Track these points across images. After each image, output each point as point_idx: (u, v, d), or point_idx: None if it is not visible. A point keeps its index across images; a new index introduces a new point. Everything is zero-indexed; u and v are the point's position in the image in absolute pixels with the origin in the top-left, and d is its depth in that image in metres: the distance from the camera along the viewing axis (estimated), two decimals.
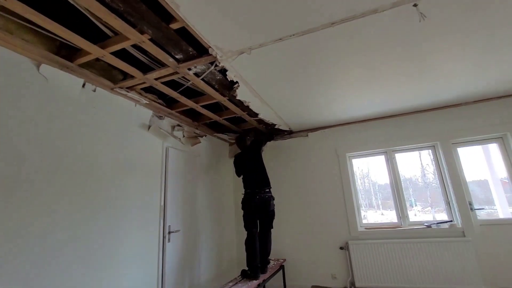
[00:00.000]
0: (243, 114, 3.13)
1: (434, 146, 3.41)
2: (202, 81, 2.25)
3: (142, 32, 1.61)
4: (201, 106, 2.81)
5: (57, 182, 1.75)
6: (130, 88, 2.32)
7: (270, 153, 4.09)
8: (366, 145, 3.63)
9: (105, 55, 1.78)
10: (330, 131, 3.87)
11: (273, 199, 3.08)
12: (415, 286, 2.99)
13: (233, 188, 4.15)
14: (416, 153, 3.61)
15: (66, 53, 1.87)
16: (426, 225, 3.18)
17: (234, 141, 4.12)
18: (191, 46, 1.81)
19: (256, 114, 3.15)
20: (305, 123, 3.74)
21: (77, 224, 1.83)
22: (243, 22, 1.57)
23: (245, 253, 2.90)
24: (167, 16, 1.53)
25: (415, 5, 1.50)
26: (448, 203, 3.23)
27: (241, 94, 2.52)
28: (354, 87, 2.61)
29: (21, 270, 1.50)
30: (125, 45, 1.72)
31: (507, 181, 3.12)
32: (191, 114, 3.22)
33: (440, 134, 3.30)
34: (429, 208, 3.63)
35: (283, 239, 3.75)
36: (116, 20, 1.48)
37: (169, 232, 2.62)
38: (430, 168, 3.52)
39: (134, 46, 1.92)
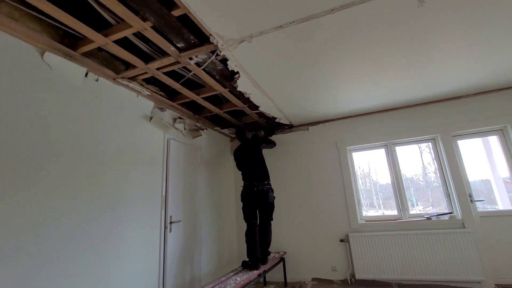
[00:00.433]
0: (244, 107, 3.15)
1: (434, 138, 3.42)
2: (203, 71, 2.28)
3: (144, 20, 1.64)
4: (202, 98, 2.83)
5: (58, 171, 1.77)
6: (132, 79, 2.35)
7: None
8: (366, 138, 3.65)
9: (108, 43, 1.81)
10: (331, 124, 3.89)
11: (272, 191, 3.11)
12: (415, 278, 3.01)
13: (234, 181, 4.17)
14: (417, 150, 3.59)
15: (69, 42, 1.90)
16: (426, 217, 3.19)
17: (235, 135, 4.15)
18: (193, 34, 1.83)
19: (256, 107, 3.18)
20: (306, 117, 3.76)
21: (78, 213, 1.84)
22: (243, 8, 1.59)
23: (245, 245, 2.93)
24: (169, 2, 1.56)
25: None
26: (448, 195, 3.24)
27: (242, 85, 2.54)
28: (354, 78, 2.63)
29: (23, 262, 1.51)
30: (128, 32, 1.75)
31: (509, 181, 3.12)
32: (192, 107, 3.25)
33: (440, 126, 3.32)
34: (431, 207, 3.61)
35: (284, 232, 3.77)
36: (119, 7, 1.51)
37: (171, 222, 2.65)
38: (432, 167, 3.52)
39: (136, 35, 1.96)
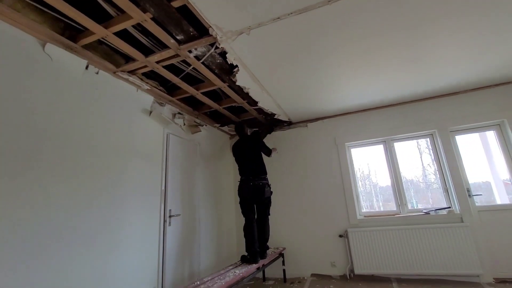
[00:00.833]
0: (243, 102, 3.17)
1: (432, 134, 3.44)
2: (202, 65, 2.30)
3: (144, 11, 1.66)
4: (202, 93, 2.86)
5: (57, 161, 1.77)
6: (132, 72, 2.37)
7: (270, 144, 4.12)
8: (365, 135, 3.67)
9: (108, 35, 1.84)
10: (329, 121, 3.91)
11: (269, 186, 3.09)
12: (414, 272, 3.02)
13: (233, 178, 4.19)
14: (416, 152, 3.59)
15: (70, 35, 1.92)
16: (424, 212, 3.21)
17: (234, 131, 4.17)
18: (192, 26, 1.86)
19: (255, 103, 3.20)
20: (304, 113, 3.78)
21: (79, 205, 1.86)
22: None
23: (244, 240, 2.94)
24: None
25: None
26: (446, 190, 3.26)
27: (241, 79, 2.56)
28: (352, 72, 2.65)
29: (21, 254, 1.51)
30: (128, 24, 1.77)
31: (509, 182, 3.13)
32: (192, 103, 3.27)
33: (438, 122, 3.34)
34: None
35: (283, 228, 3.78)
36: None
37: (170, 216, 2.66)
38: (431, 168, 3.51)
39: (136, 29, 1.99)
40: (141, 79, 2.51)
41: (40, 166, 1.67)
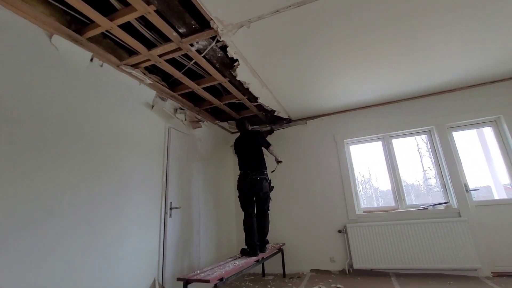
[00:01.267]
0: (243, 98, 3.23)
1: (429, 130, 3.49)
2: (203, 59, 2.37)
3: (148, 3, 1.73)
4: (203, 88, 2.91)
5: (61, 153, 1.81)
6: (135, 66, 2.43)
7: (270, 141, 4.16)
8: (363, 131, 3.72)
9: (113, 27, 1.90)
10: (328, 118, 3.97)
11: (267, 181, 3.10)
12: (413, 266, 3.04)
13: (233, 174, 4.22)
14: (417, 155, 3.61)
15: (76, 28, 1.99)
16: (422, 207, 3.24)
17: (235, 128, 4.22)
18: (194, 19, 1.92)
19: (255, 99, 3.26)
20: (304, 110, 3.84)
21: (82, 195, 1.89)
22: None
23: (244, 234, 2.97)
24: None
25: None
26: (444, 186, 3.29)
27: (241, 73, 2.62)
28: (350, 67, 2.70)
29: (23, 242, 1.53)
30: (133, 16, 1.83)
31: (510, 187, 3.15)
32: (193, 98, 3.33)
33: (435, 118, 3.39)
34: None
35: (283, 224, 3.81)
36: None
37: (171, 208, 2.70)
38: (432, 172, 3.49)
39: (140, 22, 2.05)
40: (144, 73, 2.57)
41: (43, 157, 1.70)
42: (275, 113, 3.81)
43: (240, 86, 2.92)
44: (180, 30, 2.00)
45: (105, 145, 2.14)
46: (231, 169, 4.24)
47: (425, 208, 3.21)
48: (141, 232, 2.33)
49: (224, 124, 4.12)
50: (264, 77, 2.80)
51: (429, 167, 3.52)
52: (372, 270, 3.23)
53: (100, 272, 1.93)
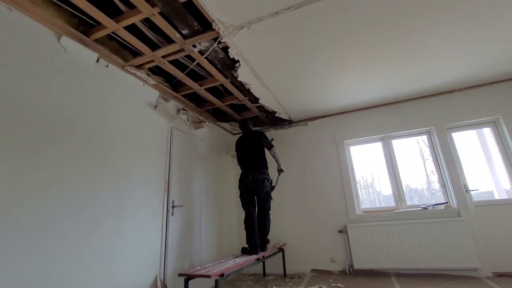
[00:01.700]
0: (245, 99, 3.29)
1: (429, 131, 3.52)
2: (205, 60, 2.43)
3: (153, 6, 1.80)
4: (205, 89, 2.98)
5: (68, 147, 1.87)
6: (139, 67, 2.51)
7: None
8: (363, 132, 3.76)
9: (119, 29, 1.97)
10: (329, 119, 4.01)
11: (268, 180, 3.13)
12: (413, 266, 3.04)
13: (234, 174, 4.26)
14: (420, 159, 3.62)
15: (83, 30, 2.07)
16: (422, 207, 3.25)
17: (236, 131, 4.29)
18: (196, 20, 1.99)
19: (257, 99, 3.32)
20: (304, 112, 3.89)
21: (86, 187, 1.94)
22: None
23: (245, 233, 3.00)
24: None
25: None
26: (444, 186, 3.31)
27: (242, 74, 2.69)
28: (351, 68, 2.75)
29: (31, 227, 1.59)
30: (138, 18, 1.91)
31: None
32: (195, 99, 3.40)
33: (434, 119, 3.43)
34: None
35: (283, 224, 3.83)
36: None
37: (173, 206, 2.74)
38: (435, 176, 3.46)
39: (144, 24, 2.13)
40: (148, 74, 2.64)
41: (51, 153, 1.76)
42: (276, 114, 3.86)
43: (241, 87, 2.98)
44: (183, 32, 2.07)
45: (110, 144, 2.20)
46: (232, 169, 4.29)
47: (425, 208, 3.23)
48: (144, 229, 2.38)
49: (226, 125, 4.17)
50: (265, 78, 2.86)
51: (431, 171, 3.51)
52: (372, 270, 3.24)
53: (103, 268, 1.96)
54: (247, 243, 2.94)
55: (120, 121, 2.34)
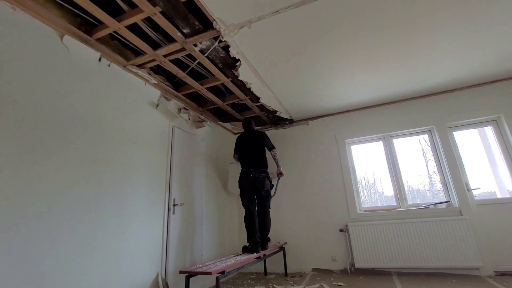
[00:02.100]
0: (245, 98, 3.30)
1: (430, 130, 3.51)
2: (206, 59, 2.45)
3: (154, 5, 1.82)
4: (206, 88, 3.00)
5: (71, 148, 1.89)
6: (141, 66, 2.53)
7: (272, 141, 4.21)
8: (364, 131, 3.76)
9: (121, 28, 1.99)
10: (330, 119, 4.02)
11: (268, 179, 3.15)
12: (414, 265, 3.03)
13: (236, 175, 4.26)
14: (422, 160, 3.59)
15: (86, 29, 2.09)
16: (424, 206, 3.25)
17: (237, 130, 4.30)
18: (197, 20, 2.01)
19: (257, 99, 3.33)
20: (305, 111, 3.89)
21: (90, 190, 1.96)
22: None
23: (245, 231, 3.00)
24: None
25: None
26: (445, 185, 3.30)
27: (243, 73, 2.70)
28: (352, 67, 2.76)
29: (39, 225, 1.61)
30: (139, 17, 1.93)
31: None
32: (196, 99, 3.42)
33: (436, 118, 3.42)
34: None
35: (284, 223, 3.84)
36: None
37: (174, 205, 2.76)
38: (437, 177, 3.45)
39: (145, 24, 2.15)
40: (149, 74, 2.66)
41: (53, 152, 1.78)
42: (277, 114, 3.87)
43: (242, 86, 3.00)
44: (184, 31, 2.09)
45: (112, 143, 2.22)
46: (233, 168, 4.29)
47: (426, 207, 3.22)
48: (145, 227, 2.39)
49: (227, 124, 4.19)
50: (266, 77, 2.87)
51: (434, 172, 3.50)
52: (373, 269, 3.23)
53: (105, 265, 1.98)
54: (248, 241, 2.95)
55: (122, 120, 2.36)
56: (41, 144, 1.71)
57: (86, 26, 2.09)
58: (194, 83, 2.86)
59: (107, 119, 2.22)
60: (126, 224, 2.21)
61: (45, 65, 1.82)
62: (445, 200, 3.23)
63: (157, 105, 2.83)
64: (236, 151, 3.33)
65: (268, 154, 3.31)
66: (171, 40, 2.26)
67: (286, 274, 3.47)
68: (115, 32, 2.10)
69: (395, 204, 3.48)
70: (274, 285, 3.01)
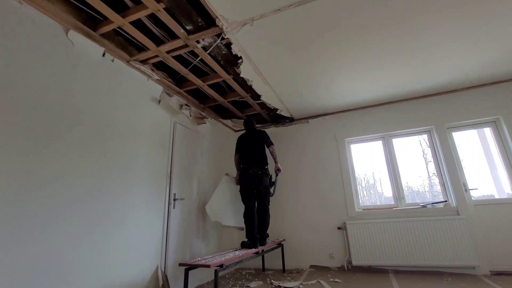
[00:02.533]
0: (247, 96, 3.34)
1: (429, 130, 3.54)
2: (209, 56, 2.48)
3: (158, 1, 1.85)
4: (207, 85, 3.03)
5: (74, 142, 1.92)
6: (144, 62, 2.56)
7: (272, 139, 4.24)
8: (364, 130, 3.78)
9: (125, 23, 2.03)
10: (330, 118, 4.05)
11: (268, 176, 3.19)
12: (411, 264, 3.07)
13: (235, 171, 4.30)
14: (423, 162, 3.61)
15: (91, 24, 2.12)
16: (421, 205, 3.28)
17: (237, 128, 4.33)
18: (200, 17, 2.04)
19: (258, 96, 3.36)
20: (306, 110, 3.92)
21: (92, 183, 2.00)
22: None
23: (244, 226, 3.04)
24: None
25: None
26: (443, 185, 3.33)
27: (244, 71, 2.73)
28: (352, 67, 2.79)
29: (39, 215, 1.64)
30: (143, 14, 1.96)
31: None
32: (198, 96, 3.45)
33: (435, 118, 3.45)
34: None
35: (283, 220, 3.88)
36: None
37: (174, 199, 2.79)
38: (437, 178, 3.44)
39: (149, 19, 2.18)
40: (152, 69, 2.70)
41: (56, 145, 1.81)
42: (278, 112, 3.90)
43: (243, 83, 3.03)
44: (187, 28, 2.12)
45: (114, 137, 2.26)
46: (233, 166, 4.32)
47: (424, 206, 3.25)
48: (146, 221, 2.43)
49: (228, 121, 4.22)
50: (267, 75, 2.90)
51: (434, 173, 3.51)
52: (370, 267, 3.27)
53: (105, 257, 2.01)
54: (246, 237, 2.99)
55: (124, 114, 2.40)
56: (43, 137, 1.75)
57: (91, 21, 2.12)
58: (196, 79, 2.89)
59: (110, 113, 2.25)
60: (127, 217, 2.25)
61: (49, 59, 1.86)
62: (443, 200, 3.26)
63: (159, 101, 2.87)
64: (238, 150, 3.35)
65: (267, 152, 3.34)
66: (174, 36, 2.29)
67: (284, 270, 3.51)
68: (119, 27, 2.13)
69: (393, 203, 3.51)
70: (272, 281, 3.05)
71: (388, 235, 3.23)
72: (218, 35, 2.24)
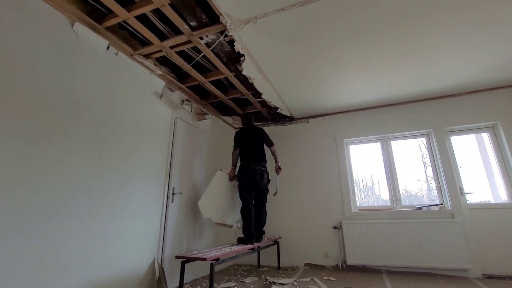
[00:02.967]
0: (248, 94, 3.36)
1: (428, 134, 3.57)
2: (211, 52, 2.51)
3: None
4: (209, 82, 3.06)
5: (75, 133, 1.95)
6: (147, 56, 2.59)
7: (272, 137, 4.27)
8: (363, 132, 3.82)
9: (130, 18, 2.05)
10: (330, 118, 4.08)
11: (267, 173, 3.24)
12: (404, 265, 3.11)
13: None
14: (421, 166, 3.64)
15: (96, 17, 2.14)
16: (417, 207, 3.31)
17: (237, 125, 4.36)
18: (205, 13, 2.07)
19: (259, 94, 3.39)
20: (306, 109, 3.95)
21: (92, 174, 2.03)
22: None
23: (242, 226, 3.08)
24: None
25: None
26: (439, 188, 3.36)
27: (246, 68, 2.76)
28: (353, 68, 2.82)
29: (29, 217, 1.65)
30: (149, 8, 1.98)
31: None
32: (199, 92, 3.48)
33: (434, 122, 3.48)
34: None
35: (280, 218, 3.92)
36: None
37: (173, 193, 2.83)
38: (434, 183, 3.47)
39: (153, 14, 2.20)
40: (155, 64, 2.72)
41: (58, 136, 1.84)
42: (278, 110, 3.93)
43: (245, 81, 3.05)
44: (191, 24, 2.14)
45: (116, 129, 2.28)
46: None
47: (419, 208, 3.29)
48: (144, 214, 2.46)
49: (228, 118, 4.25)
50: (268, 73, 2.93)
51: (432, 178, 3.53)
52: (364, 267, 3.31)
53: (103, 249, 2.04)
54: (243, 233, 3.02)
55: (126, 107, 2.43)
56: (44, 127, 1.77)
57: (96, 14, 2.14)
58: (198, 75, 2.92)
59: (112, 106, 2.28)
60: (125, 210, 2.28)
61: (54, 51, 1.88)
62: (439, 203, 3.30)
63: (161, 96, 2.89)
64: (237, 145, 3.35)
65: (266, 150, 3.37)
66: (178, 32, 2.32)
67: (279, 267, 3.55)
68: (124, 21, 2.15)
69: (389, 204, 3.55)
70: (267, 277, 3.09)
71: (383, 235, 3.27)
72: (222, 32, 2.27)
